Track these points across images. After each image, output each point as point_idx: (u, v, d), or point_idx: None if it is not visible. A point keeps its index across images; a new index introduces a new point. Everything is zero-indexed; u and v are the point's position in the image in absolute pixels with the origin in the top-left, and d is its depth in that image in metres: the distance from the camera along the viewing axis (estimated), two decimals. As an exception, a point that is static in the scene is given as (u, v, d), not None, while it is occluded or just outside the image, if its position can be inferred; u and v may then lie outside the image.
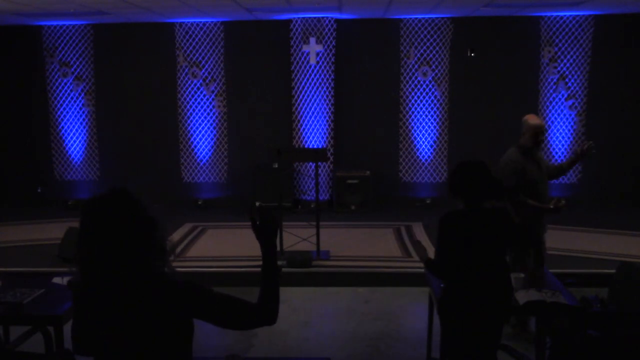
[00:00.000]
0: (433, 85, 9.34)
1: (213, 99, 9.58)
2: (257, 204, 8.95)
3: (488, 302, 3.37)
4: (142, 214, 2.06)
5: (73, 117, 9.67)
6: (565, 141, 9.26)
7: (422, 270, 4.14)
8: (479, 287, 3.36)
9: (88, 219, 2.04)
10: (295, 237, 6.78)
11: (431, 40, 9.23)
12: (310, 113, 9.24)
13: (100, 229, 2.01)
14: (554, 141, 9.26)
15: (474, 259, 3.35)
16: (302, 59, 9.14)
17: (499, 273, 3.44)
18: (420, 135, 9.49)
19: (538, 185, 4.72)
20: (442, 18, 9.16)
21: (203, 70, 9.47)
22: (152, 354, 2.06)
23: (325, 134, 9.32)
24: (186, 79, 9.52)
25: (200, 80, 9.50)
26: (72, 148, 9.75)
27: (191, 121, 9.61)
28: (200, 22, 9.31)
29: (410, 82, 9.37)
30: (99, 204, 2.05)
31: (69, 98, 9.62)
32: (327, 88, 9.23)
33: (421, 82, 9.34)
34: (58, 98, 9.62)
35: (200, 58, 9.42)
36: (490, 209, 3.45)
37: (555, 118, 9.23)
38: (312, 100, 9.20)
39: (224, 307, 2.10)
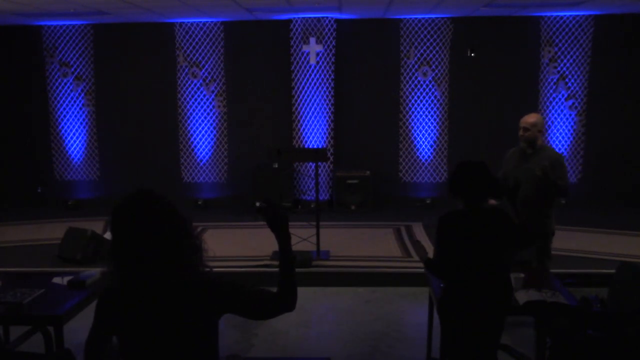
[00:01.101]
0: (433, 85, 9.34)
1: (213, 99, 9.58)
2: (257, 204, 8.95)
3: (488, 302, 3.38)
4: (176, 213, 2.08)
5: (73, 117, 9.67)
6: (565, 141, 9.26)
7: (422, 270, 4.14)
8: (479, 287, 3.37)
9: (124, 223, 2.02)
10: (295, 237, 6.76)
11: (431, 40, 9.22)
12: (310, 113, 9.24)
13: (141, 231, 2.00)
14: (553, 141, 9.25)
15: (474, 259, 3.35)
16: (302, 59, 9.14)
17: (499, 273, 3.44)
18: (420, 135, 9.49)
19: (508, 180, 4.95)
20: (442, 18, 9.16)
21: (203, 70, 9.47)
22: (188, 354, 2.07)
23: (325, 134, 9.32)
24: (186, 79, 9.51)
25: (200, 80, 9.50)
26: (72, 148, 9.75)
27: (191, 121, 9.61)
28: (200, 22, 9.30)
29: (410, 82, 9.37)
30: (133, 207, 2.03)
31: (69, 98, 9.62)
32: (327, 88, 9.23)
33: (421, 82, 9.34)
34: (58, 98, 9.62)
35: (200, 58, 9.42)
36: (490, 209, 3.46)
37: (555, 118, 9.23)
38: (312, 100, 9.20)
39: (254, 299, 2.17)
